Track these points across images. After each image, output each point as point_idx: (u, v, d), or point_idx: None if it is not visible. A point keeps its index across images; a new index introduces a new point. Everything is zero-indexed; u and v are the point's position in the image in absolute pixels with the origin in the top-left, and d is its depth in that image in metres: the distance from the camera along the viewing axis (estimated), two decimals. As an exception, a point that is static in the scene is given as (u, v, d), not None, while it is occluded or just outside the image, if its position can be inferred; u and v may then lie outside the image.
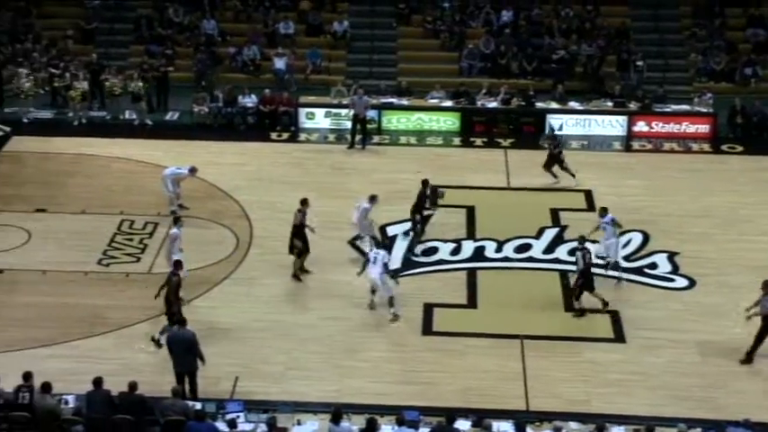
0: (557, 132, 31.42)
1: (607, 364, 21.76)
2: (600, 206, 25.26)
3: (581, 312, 23.37)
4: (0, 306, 23.64)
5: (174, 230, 24.02)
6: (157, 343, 21.82)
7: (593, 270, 23.69)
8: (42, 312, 23.35)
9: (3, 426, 18.85)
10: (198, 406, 18.98)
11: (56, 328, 22.75)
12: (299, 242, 24.40)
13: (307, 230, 24.54)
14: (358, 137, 32.17)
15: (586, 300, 23.49)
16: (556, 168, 29.40)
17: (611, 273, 24.61)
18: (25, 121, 33.85)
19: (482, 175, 30.16)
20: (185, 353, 20.00)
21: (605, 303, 23.40)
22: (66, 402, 19.08)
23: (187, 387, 19.93)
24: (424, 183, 26.49)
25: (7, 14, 39.04)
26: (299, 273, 24.68)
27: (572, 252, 24.61)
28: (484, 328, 22.88)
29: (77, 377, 20.22)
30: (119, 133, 32.99)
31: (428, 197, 26.39)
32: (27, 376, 18.96)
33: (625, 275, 24.77)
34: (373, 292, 23.46)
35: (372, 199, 25.62)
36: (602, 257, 24.65)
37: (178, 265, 22.42)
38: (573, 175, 29.38)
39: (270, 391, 20.55)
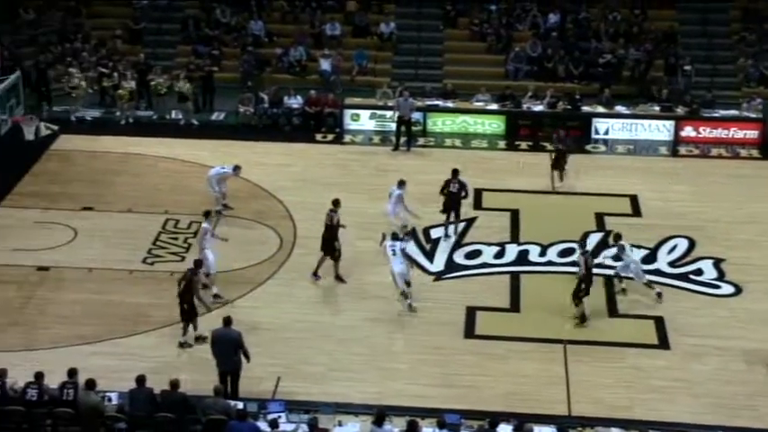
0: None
1: (650, 371, 21.60)
2: (614, 233, 24.99)
3: (583, 318, 23.12)
4: (46, 303, 23.87)
5: (205, 225, 24.19)
6: (203, 339, 21.96)
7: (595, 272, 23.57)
8: (87, 310, 23.55)
9: (47, 421, 19.05)
10: (240, 405, 19.05)
11: (100, 325, 22.94)
12: (338, 243, 24.47)
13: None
14: (403, 139, 32.18)
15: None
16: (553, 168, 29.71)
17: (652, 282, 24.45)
18: (73, 119, 34.16)
19: (526, 178, 30.06)
20: (229, 352, 20.09)
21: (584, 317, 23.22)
22: (110, 399, 19.23)
23: (229, 386, 20.02)
24: (455, 172, 26.56)
25: (57, 14, 39.42)
26: (338, 274, 24.75)
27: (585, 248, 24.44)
28: (526, 333, 22.79)
29: (120, 374, 20.36)
30: (165, 133, 33.22)
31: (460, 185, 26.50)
32: (72, 373, 19.15)
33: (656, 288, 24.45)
34: (404, 294, 23.50)
35: (402, 184, 26.03)
36: (621, 277, 24.46)
37: (198, 264, 22.55)
38: (561, 179, 29.50)
39: (311, 391, 20.58)
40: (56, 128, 33.03)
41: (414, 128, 32.74)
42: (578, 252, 23.54)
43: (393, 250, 23.45)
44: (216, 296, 23.50)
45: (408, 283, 23.54)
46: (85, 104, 34.79)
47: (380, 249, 24.77)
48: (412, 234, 25.17)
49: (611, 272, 24.51)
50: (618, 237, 24.45)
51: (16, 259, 25.51)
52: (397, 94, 33.35)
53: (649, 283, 24.23)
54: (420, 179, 28.37)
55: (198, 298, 22.06)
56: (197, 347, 21.66)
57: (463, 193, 26.55)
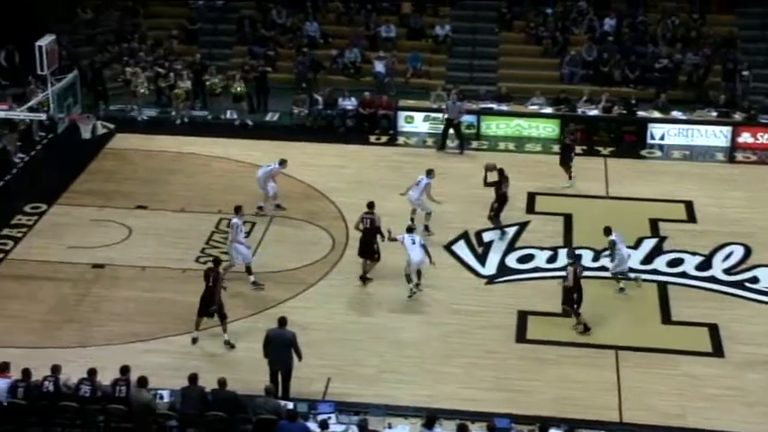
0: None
1: (704, 379, 21.39)
2: (604, 226, 24.86)
3: (586, 328, 22.90)
4: (101, 300, 24.09)
5: (235, 220, 24.58)
6: (230, 345, 22.28)
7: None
8: (141, 308, 23.75)
9: (100, 418, 19.22)
10: (290, 405, 19.11)
11: (153, 323, 23.12)
12: (378, 246, 24.57)
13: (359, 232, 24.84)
14: (455, 142, 32.16)
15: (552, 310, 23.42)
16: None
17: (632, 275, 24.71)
18: (138, 119, 34.43)
19: (581, 183, 29.85)
20: (282, 352, 20.16)
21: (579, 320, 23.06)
22: (161, 397, 19.35)
23: (280, 386, 20.08)
24: (500, 171, 26.80)
25: (115, 14, 39.78)
26: (366, 277, 24.80)
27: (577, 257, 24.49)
28: (578, 338, 22.66)
29: (172, 372, 20.56)
30: (219, 133, 33.40)
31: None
32: (124, 370, 19.32)
33: (642, 276, 24.79)
34: (408, 278, 23.92)
35: (430, 173, 26.59)
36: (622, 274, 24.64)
37: (217, 262, 22.79)
38: (570, 177, 29.53)
39: (362, 393, 20.60)
40: (112, 126, 33.28)
41: (469, 131, 32.75)
42: (568, 262, 23.43)
43: (413, 240, 23.89)
44: (255, 283, 24.37)
45: (419, 273, 24.02)
46: (141, 104, 35.03)
47: (441, 253, 24.96)
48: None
49: (608, 274, 24.70)
50: (608, 231, 24.50)
51: (72, 256, 25.78)
52: (449, 97, 33.38)
53: (628, 277, 24.52)
54: (473, 183, 28.26)
55: (219, 289, 22.37)
56: (250, 347, 21.68)
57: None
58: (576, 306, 22.79)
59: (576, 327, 22.82)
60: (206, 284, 22.20)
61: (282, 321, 20.44)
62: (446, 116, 32.23)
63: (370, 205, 24.79)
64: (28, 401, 19.10)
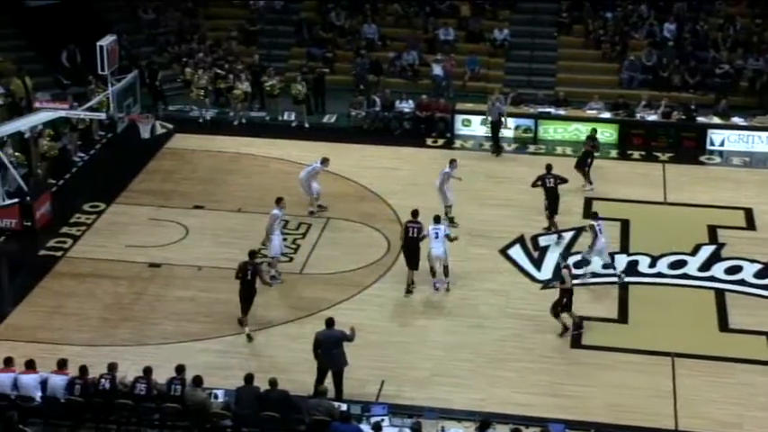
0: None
1: (762, 388, 21.10)
2: (592, 210, 25.34)
3: (565, 329, 22.79)
4: (156, 299, 24.27)
5: (276, 211, 24.83)
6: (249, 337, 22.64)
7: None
8: (196, 307, 23.88)
9: (155, 416, 19.37)
10: (343, 407, 19.14)
11: (208, 323, 23.25)
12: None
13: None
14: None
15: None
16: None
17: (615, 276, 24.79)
18: (201, 120, 34.69)
19: (638, 188, 29.66)
20: (333, 351, 20.18)
21: (578, 325, 22.86)
22: (216, 397, 19.45)
23: (332, 386, 20.09)
24: (549, 167, 26.95)
25: (176, 15, 40.09)
26: (412, 286, 24.66)
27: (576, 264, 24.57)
28: (634, 344, 22.47)
29: (226, 372, 20.68)
30: (277, 134, 33.54)
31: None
32: (180, 369, 19.46)
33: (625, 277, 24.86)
34: (433, 273, 24.14)
35: (451, 163, 27.15)
36: (607, 266, 24.87)
37: (253, 254, 23.06)
38: (590, 182, 29.55)
39: (415, 396, 20.58)
40: (171, 126, 33.49)
41: (526, 134, 32.78)
42: (561, 266, 23.29)
43: (436, 233, 24.04)
44: (273, 277, 24.37)
45: (447, 272, 24.18)
46: (200, 104, 35.22)
47: (495, 257, 25.01)
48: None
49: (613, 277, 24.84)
50: (595, 215, 24.77)
51: (129, 255, 26.01)
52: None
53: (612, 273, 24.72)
54: (529, 187, 28.11)
55: (264, 282, 22.83)
56: (303, 348, 21.70)
57: (559, 181, 26.80)
58: (558, 310, 22.69)
59: (563, 332, 22.76)
60: (242, 279, 22.43)
61: (330, 322, 20.47)
62: (490, 119, 32.24)
63: (415, 213, 24.71)
64: (85, 398, 19.30)
